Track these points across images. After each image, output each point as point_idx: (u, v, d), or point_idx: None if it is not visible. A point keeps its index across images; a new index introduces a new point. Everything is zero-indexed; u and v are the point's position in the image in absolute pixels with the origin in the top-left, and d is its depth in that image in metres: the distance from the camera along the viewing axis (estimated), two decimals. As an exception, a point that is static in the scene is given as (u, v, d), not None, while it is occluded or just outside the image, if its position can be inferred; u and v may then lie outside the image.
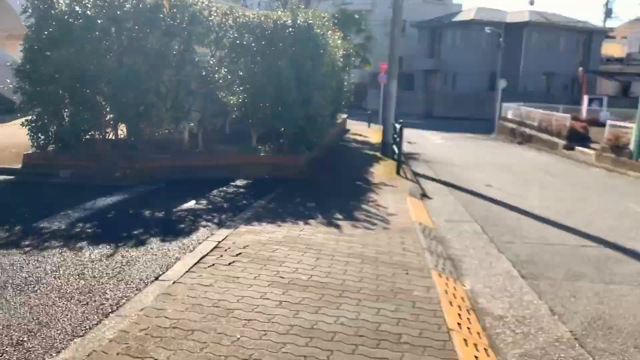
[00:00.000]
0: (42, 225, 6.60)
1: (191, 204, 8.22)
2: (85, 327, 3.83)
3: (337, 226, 7.21)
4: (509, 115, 31.28)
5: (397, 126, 14.01)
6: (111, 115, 11.23)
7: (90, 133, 11.16)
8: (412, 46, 48.34)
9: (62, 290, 4.52)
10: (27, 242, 5.90)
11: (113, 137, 11.52)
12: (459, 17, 48.32)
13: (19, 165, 10.62)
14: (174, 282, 4.70)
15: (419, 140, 24.78)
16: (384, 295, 4.75)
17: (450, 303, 4.84)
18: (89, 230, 6.48)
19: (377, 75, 33.52)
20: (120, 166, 10.42)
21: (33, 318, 3.96)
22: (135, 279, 4.83)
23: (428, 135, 28.63)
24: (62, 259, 5.37)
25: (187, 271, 5.00)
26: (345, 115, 26.55)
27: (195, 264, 5.23)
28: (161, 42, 10.41)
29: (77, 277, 4.86)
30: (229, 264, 5.30)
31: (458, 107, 45.75)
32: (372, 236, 6.83)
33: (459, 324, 4.38)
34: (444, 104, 46.54)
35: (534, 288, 5.60)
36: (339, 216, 7.82)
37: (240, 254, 5.66)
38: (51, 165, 10.48)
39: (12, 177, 10.12)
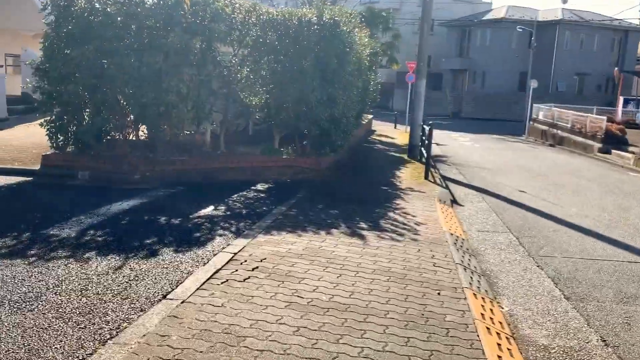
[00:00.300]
0: (51, 233, 6.28)
1: (209, 209, 7.84)
2: (78, 357, 3.44)
3: (362, 237, 6.74)
4: (540, 117, 30.36)
5: (426, 128, 13.46)
6: (132, 116, 10.95)
7: (110, 134, 10.91)
8: (440, 45, 47.53)
9: (60, 310, 4.15)
10: (33, 252, 5.57)
11: (134, 138, 11.24)
12: (489, 16, 47.34)
13: (37, 167, 10.42)
14: (182, 302, 4.29)
15: (447, 141, 24.12)
16: (413, 321, 4.27)
17: (489, 330, 4.33)
18: (100, 239, 6.13)
19: (404, 75, 32.91)
20: (140, 168, 10.13)
21: (24, 344, 3.58)
22: (141, 297, 4.44)
23: (456, 136, 27.94)
24: (67, 271, 5.02)
25: (198, 288, 4.59)
26: (371, 116, 26.07)
27: (208, 279, 4.82)
28: (182, 40, 10.05)
29: (80, 293, 4.49)
30: (244, 280, 4.88)
31: (487, 107, 44.81)
32: (399, 249, 6.35)
33: (499, 357, 3.87)
34: (473, 105, 45.61)
35: (581, 312, 5.05)
36: (364, 225, 7.35)
37: (256, 268, 5.23)
38: (70, 166, 10.24)
39: (30, 178, 9.89)
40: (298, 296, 4.58)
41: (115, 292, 4.53)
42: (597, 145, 21.76)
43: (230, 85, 11.39)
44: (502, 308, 5.08)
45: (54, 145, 10.51)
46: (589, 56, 45.09)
